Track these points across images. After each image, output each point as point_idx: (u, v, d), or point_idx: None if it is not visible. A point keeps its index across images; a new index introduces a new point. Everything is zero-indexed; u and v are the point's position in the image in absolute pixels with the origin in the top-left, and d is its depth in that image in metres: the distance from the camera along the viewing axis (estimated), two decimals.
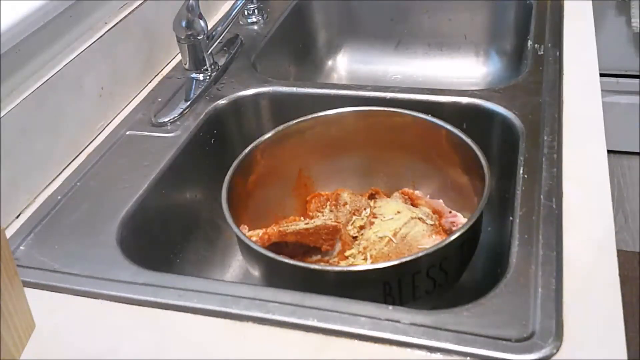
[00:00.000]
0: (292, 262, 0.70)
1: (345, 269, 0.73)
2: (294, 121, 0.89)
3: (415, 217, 0.83)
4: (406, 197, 0.91)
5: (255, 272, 0.76)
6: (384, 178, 0.95)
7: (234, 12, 1.08)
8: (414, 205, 0.89)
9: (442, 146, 0.86)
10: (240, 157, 0.84)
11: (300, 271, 0.70)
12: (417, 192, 0.92)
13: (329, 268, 0.74)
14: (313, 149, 0.91)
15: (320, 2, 1.32)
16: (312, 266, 0.74)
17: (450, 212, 0.87)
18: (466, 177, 0.84)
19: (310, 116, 0.89)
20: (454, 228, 0.84)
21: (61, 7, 0.86)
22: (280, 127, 0.88)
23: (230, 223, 0.74)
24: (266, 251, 0.70)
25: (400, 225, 0.81)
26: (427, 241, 0.79)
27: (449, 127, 0.84)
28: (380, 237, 0.80)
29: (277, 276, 0.73)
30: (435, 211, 0.88)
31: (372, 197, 0.92)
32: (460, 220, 0.85)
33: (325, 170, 0.94)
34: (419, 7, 1.29)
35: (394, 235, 0.80)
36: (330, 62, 1.36)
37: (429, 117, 0.86)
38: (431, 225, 0.83)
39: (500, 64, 1.27)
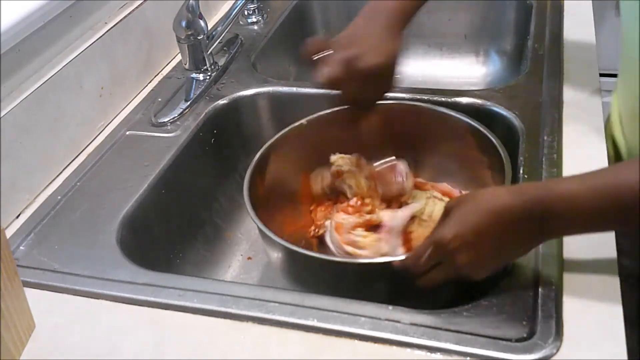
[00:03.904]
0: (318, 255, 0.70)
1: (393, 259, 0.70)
2: (300, 122, 0.88)
3: (431, 197, 0.83)
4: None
5: (276, 260, 0.76)
6: None
7: (234, 12, 1.08)
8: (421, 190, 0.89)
9: (460, 136, 0.85)
10: (258, 155, 0.83)
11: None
12: (419, 179, 0.91)
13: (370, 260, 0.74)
14: (314, 149, 0.90)
15: (320, 2, 1.32)
16: (332, 258, 0.74)
17: (461, 192, 0.87)
18: (479, 156, 0.84)
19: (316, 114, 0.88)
20: None
21: (61, 7, 0.86)
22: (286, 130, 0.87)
23: (253, 216, 0.73)
24: (287, 243, 0.70)
25: (423, 205, 0.81)
26: None
27: (453, 113, 0.84)
28: (413, 216, 0.80)
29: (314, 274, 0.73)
30: (444, 193, 0.87)
31: None
32: None
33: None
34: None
35: (421, 214, 0.79)
36: None
37: (424, 104, 0.86)
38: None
39: (500, 64, 1.27)
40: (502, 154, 0.77)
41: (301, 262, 0.72)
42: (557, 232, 0.62)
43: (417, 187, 0.89)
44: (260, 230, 0.73)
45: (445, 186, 0.89)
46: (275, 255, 0.76)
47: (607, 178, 0.58)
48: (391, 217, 0.80)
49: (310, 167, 0.90)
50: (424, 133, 0.88)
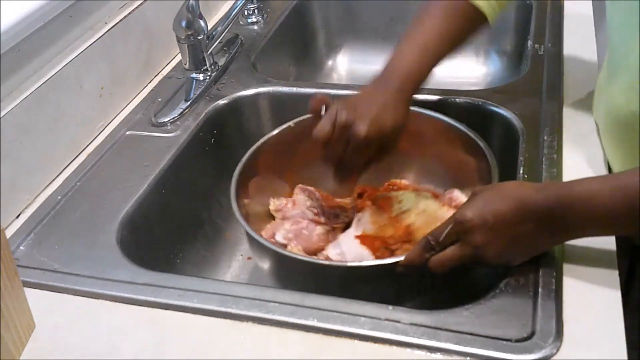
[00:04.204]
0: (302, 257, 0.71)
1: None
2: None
3: (419, 195, 0.83)
4: (395, 187, 0.90)
5: (265, 265, 0.76)
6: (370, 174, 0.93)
7: (234, 12, 1.08)
8: None
9: (446, 139, 0.85)
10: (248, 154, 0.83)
11: (310, 266, 0.70)
12: (404, 181, 0.91)
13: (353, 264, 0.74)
14: (301, 153, 0.89)
15: (320, 2, 1.32)
16: (320, 261, 0.74)
17: (445, 190, 0.87)
18: (467, 157, 0.84)
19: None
20: (453, 203, 0.83)
21: (61, 7, 0.86)
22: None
23: (240, 218, 0.74)
24: (274, 246, 0.71)
25: (414, 202, 0.81)
26: (444, 213, 0.79)
27: (439, 116, 0.84)
28: (406, 210, 0.80)
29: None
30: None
31: (360, 195, 0.91)
32: (458, 195, 0.84)
33: (306, 176, 0.91)
34: (418, 7, 1.28)
35: (416, 209, 0.80)
36: (330, 62, 1.36)
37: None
38: (435, 200, 0.83)
39: (500, 64, 1.27)
40: (489, 158, 0.76)
41: (285, 263, 0.72)
42: (576, 232, 0.63)
43: (402, 188, 0.89)
44: (247, 233, 0.73)
45: (429, 188, 0.89)
46: (261, 257, 0.76)
47: (628, 180, 0.59)
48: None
49: (299, 167, 0.90)
50: (409, 136, 0.88)
